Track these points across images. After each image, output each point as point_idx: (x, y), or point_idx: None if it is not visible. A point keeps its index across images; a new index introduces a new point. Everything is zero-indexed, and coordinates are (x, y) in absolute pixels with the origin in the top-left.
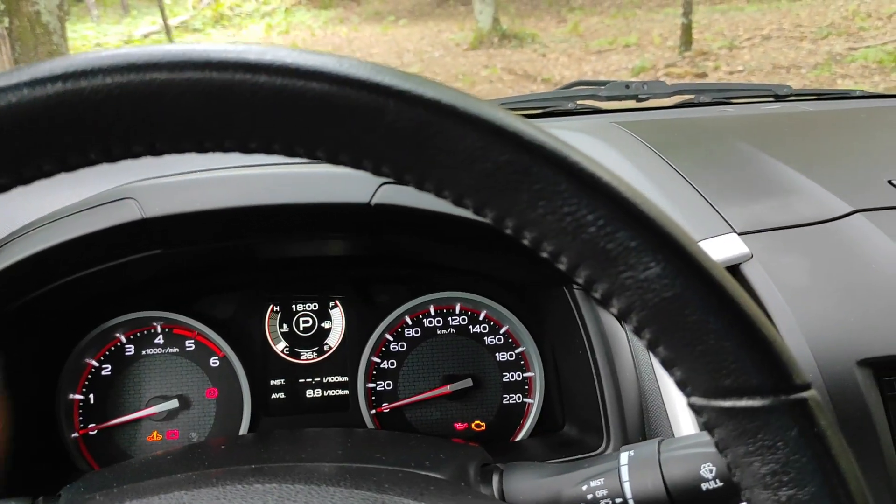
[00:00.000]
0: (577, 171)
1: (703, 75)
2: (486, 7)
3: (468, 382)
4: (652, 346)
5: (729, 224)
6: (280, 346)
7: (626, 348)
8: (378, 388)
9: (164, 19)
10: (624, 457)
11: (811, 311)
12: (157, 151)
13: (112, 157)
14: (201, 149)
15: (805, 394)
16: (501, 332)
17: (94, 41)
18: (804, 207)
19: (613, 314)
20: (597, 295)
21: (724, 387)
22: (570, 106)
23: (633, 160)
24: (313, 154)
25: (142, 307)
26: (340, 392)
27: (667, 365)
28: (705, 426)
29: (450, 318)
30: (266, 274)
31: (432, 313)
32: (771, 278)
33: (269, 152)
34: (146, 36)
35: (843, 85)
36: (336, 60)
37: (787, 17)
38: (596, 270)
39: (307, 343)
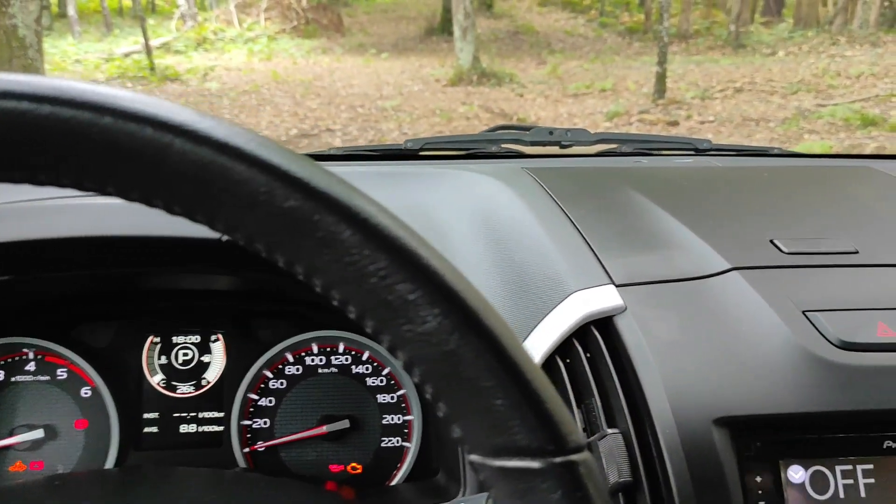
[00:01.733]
0: (360, 221)
1: (675, 123)
2: (466, 45)
3: (345, 423)
4: (434, 402)
5: (609, 275)
6: (157, 379)
7: None
8: (254, 426)
9: (146, 39)
10: None
11: (676, 368)
12: None
13: None
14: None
15: (574, 457)
16: (384, 373)
17: (74, 57)
18: (684, 262)
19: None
20: (385, 346)
21: (498, 446)
22: (493, 149)
23: (532, 206)
24: (104, 190)
25: (16, 332)
26: (215, 428)
27: (447, 421)
28: (483, 485)
29: (332, 357)
30: (148, 304)
31: (315, 351)
32: (641, 332)
33: (59, 185)
34: (127, 55)
35: (809, 140)
36: (126, 95)
37: (760, 71)
38: (380, 321)
39: (185, 376)
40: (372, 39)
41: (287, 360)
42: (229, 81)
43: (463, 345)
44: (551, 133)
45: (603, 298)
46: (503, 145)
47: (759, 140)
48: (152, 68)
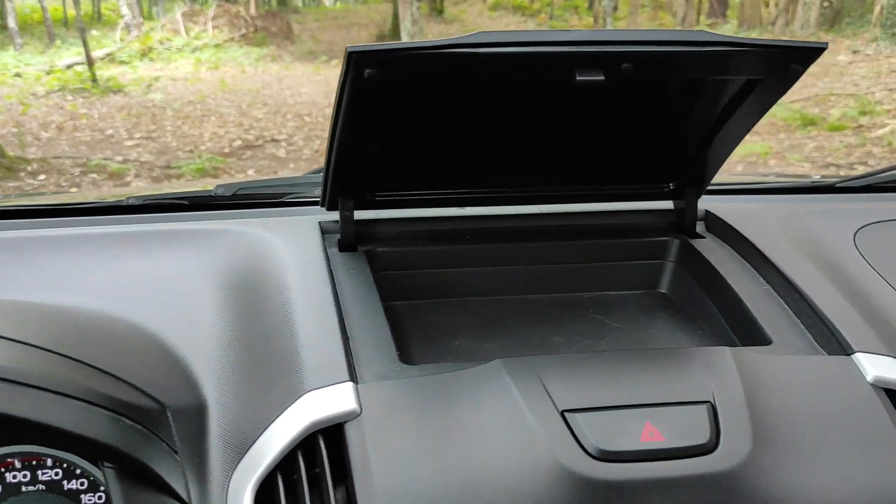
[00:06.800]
0: None
1: None
2: None
3: None
4: None
5: (353, 370)
6: None
7: None
8: None
9: (87, 51)
10: None
11: (404, 489)
12: None
13: None
14: None
15: None
16: (101, 489)
17: (14, 71)
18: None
19: None
20: None
21: None
22: (316, 192)
23: (303, 276)
24: None
25: None
26: None
27: None
28: None
29: (39, 472)
30: None
31: (18, 466)
32: (370, 443)
33: None
34: (69, 67)
35: (750, 141)
36: None
37: None
38: None
39: None
40: (322, 47)
41: None
42: (174, 92)
43: None
44: None
45: (336, 401)
46: None
47: None
48: (94, 80)
